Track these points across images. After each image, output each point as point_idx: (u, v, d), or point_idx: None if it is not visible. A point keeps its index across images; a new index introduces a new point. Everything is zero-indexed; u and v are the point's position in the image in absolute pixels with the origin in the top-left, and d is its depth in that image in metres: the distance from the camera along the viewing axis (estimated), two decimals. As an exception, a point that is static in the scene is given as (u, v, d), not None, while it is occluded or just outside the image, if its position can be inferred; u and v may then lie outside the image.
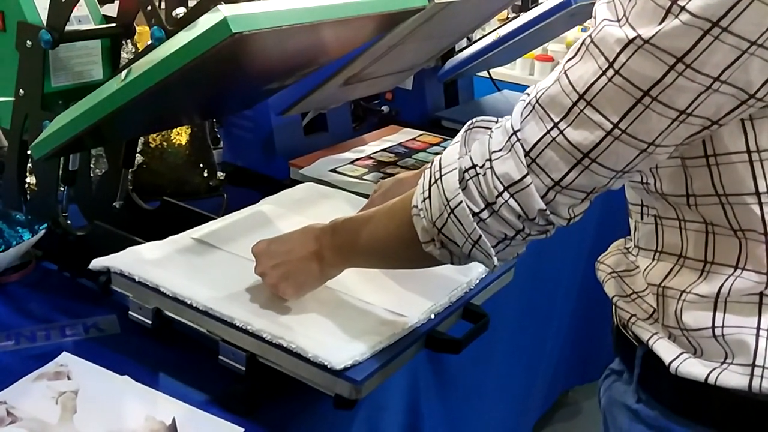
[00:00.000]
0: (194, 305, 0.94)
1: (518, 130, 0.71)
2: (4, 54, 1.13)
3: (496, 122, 0.77)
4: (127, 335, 1.03)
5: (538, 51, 3.49)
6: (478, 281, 1.06)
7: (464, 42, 1.95)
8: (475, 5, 1.54)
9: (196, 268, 1.03)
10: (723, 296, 0.75)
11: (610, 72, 0.66)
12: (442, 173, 0.76)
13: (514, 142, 0.71)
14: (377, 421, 1.05)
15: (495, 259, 0.76)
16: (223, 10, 0.84)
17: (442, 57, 1.91)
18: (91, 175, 1.30)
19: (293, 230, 0.96)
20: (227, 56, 0.92)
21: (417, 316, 0.95)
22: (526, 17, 1.76)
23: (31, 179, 1.26)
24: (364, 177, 1.47)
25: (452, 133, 1.77)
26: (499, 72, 2.39)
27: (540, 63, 3.59)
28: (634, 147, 0.69)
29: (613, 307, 0.89)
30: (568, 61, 0.70)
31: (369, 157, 1.59)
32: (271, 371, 0.90)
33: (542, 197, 0.71)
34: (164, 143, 1.47)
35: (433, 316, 0.97)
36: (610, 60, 0.66)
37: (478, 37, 1.93)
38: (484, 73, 2.13)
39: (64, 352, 0.97)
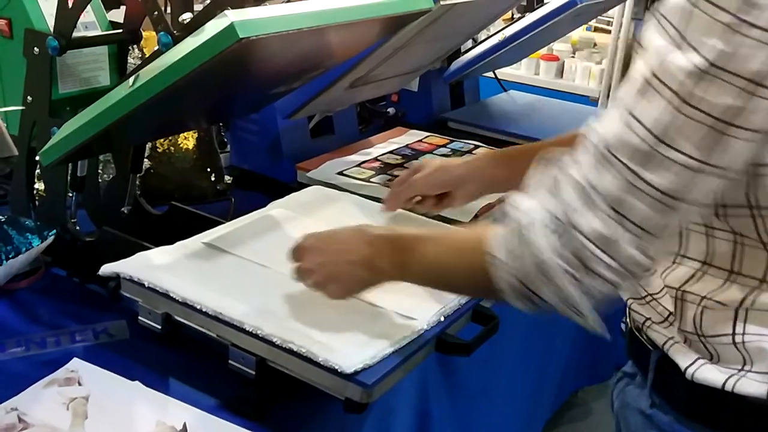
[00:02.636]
0: (204, 310, 0.93)
1: (593, 181, 0.67)
2: (11, 61, 1.13)
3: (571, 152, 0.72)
4: (137, 340, 1.03)
5: (543, 51, 3.49)
6: None
7: (470, 43, 1.95)
8: (480, 6, 1.54)
9: (206, 273, 1.03)
10: (746, 306, 0.73)
11: (681, 106, 0.62)
12: (524, 224, 0.71)
13: (592, 195, 0.67)
14: (387, 424, 1.04)
15: (590, 318, 0.71)
16: (230, 16, 0.84)
17: (448, 58, 1.91)
18: (99, 180, 1.31)
19: (343, 228, 0.94)
20: (234, 61, 0.92)
21: (426, 319, 0.95)
22: (531, 17, 1.76)
23: (39, 185, 1.27)
24: (372, 179, 1.47)
25: (459, 135, 1.79)
26: (505, 72, 2.39)
27: (545, 62, 3.59)
28: (719, 177, 0.65)
29: (627, 309, 0.88)
30: (630, 99, 0.66)
31: (376, 159, 1.59)
32: (280, 375, 0.90)
33: (634, 247, 0.67)
34: (171, 148, 1.48)
35: (442, 319, 0.97)
36: (680, 93, 0.62)
37: (483, 38, 1.93)
38: (490, 74, 2.13)
39: (75, 358, 0.97)
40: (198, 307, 0.94)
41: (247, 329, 0.90)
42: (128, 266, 1.01)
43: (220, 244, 1.10)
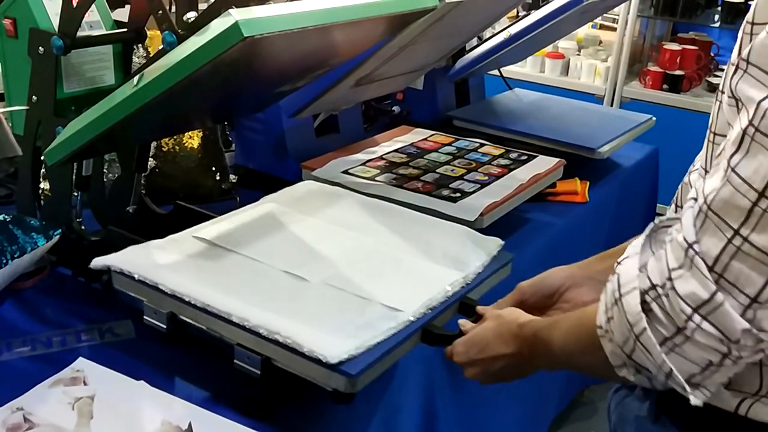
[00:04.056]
0: (192, 302, 0.94)
1: (695, 242, 0.63)
2: (16, 60, 1.14)
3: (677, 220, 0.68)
4: (142, 340, 1.03)
5: (548, 48, 3.48)
6: (474, 276, 1.07)
7: (475, 41, 1.94)
8: (485, 4, 1.54)
9: (196, 265, 1.03)
10: None
11: None
12: (622, 292, 0.68)
13: (693, 257, 0.63)
14: (392, 424, 1.04)
15: (692, 395, 0.66)
16: (234, 14, 0.84)
17: (453, 56, 1.90)
18: (104, 179, 1.31)
19: (483, 331, 0.92)
20: (239, 60, 0.92)
21: (412, 311, 0.95)
22: (536, 15, 1.76)
23: (44, 185, 1.27)
24: (377, 178, 1.47)
25: (464, 133, 1.79)
26: (510, 70, 2.38)
27: (551, 60, 3.58)
28: None
29: None
30: (731, 156, 0.62)
31: (381, 158, 1.59)
32: (286, 375, 0.90)
33: (741, 315, 0.62)
34: (176, 147, 1.48)
35: (428, 311, 0.98)
36: None
37: (488, 36, 1.92)
38: (495, 72, 2.12)
39: (80, 358, 0.98)
40: (187, 299, 0.94)
41: (233, 320, 0.90)
42: (119, 259, 1.02)
43: (210, 238, 1.10)
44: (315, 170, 1.48)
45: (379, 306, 0.96)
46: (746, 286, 0.61)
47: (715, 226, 0.62)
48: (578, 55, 3.66)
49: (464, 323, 0.95)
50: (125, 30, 1.18)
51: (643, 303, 0.66)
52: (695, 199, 0.65)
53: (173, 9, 1.00)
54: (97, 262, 1.02)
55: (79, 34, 1.09)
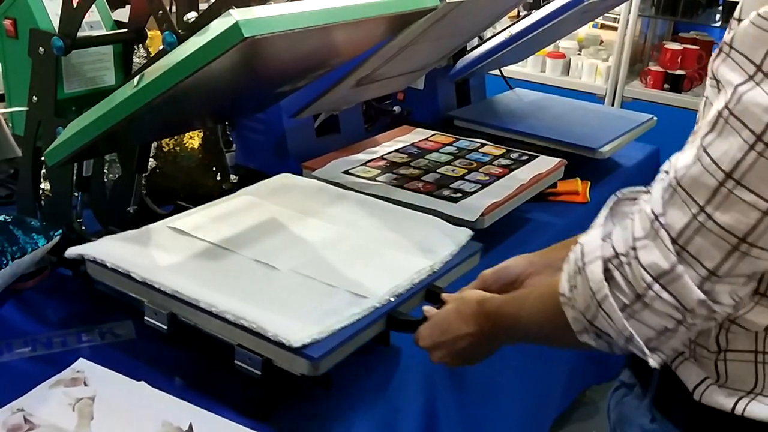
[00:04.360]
0: (162, 289, 0.96)
1: (660, 215, 0.65)
2: (17, 61, 1.14)
3: (644, 193, 0.71)
4: (143, 340, 1.03)
5: (549, 48, 3.48)
6: (442, 264, 1.09)
7: (475, 41, 1.94)
8: (486, 4, 1.54)
9: (170, 255, 1.05)
10: None
11: (760, 146, 0.59)
12: (586, 261, 0.70)
13: (658, 228, 0.65)
14: (394, 423, 1.04)
15: (650, 357, 0.69)
16: (235, 15, 0.84)
17: (454, 56, 1.90)
18: (105, 180, 1.31)
19: (445, 313, 0.94)
20: (239, 60, 0.92)
21: (378, 297, 0.98)
22: (537, 15, 1.75)
23: (45, 185, 1.27)
24: (377, 178, 1.47)
25: (465, 133, 1.79)
26: (511, 69, 2.38)
27: (552, 60, 3.58)
28: None
29: None
30: (705, 136, 0.63)
31: (382, 158, 1.58)
32: (286, 375, 0.90)
33: (699, 287, 0.64)
34: (177, 147, 1.48)
35: (394, 298, 0.99)
36: (758, 132, 0.59)
37: (489, 36, 1.92)
38: (496, 72, 2.12)
39: (81, 358, 0.98)
40: (157, 287, 0.96)
41: (203, 307, 0.92)
42: (92, 249, 1.04)
43: (184, 228, 1.12)
44: (316, 170, 1.48)
45: (345, 293, 0.99)
46: (706, 260, 0.63)
47: (682, 201, 0.64)
48: (579, 54, 3.65)
49: (428, 309, 0.97)
50: (125, 30, 1.18)
51: (606, 271, 0.68)
52: (667, 173, 0.66)
53: (173, 9, 1.00)
54: (72, 251, 1.05)
55: (80, 34, 1.09)
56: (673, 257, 0.64)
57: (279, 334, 0.87)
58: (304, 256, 1.07)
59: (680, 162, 0.65)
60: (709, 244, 0.63)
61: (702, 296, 0.64)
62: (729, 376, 0.74)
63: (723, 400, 0.73)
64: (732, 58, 0.62)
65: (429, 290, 1.05)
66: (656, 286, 0.65)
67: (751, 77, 0.60)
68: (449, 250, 1.13)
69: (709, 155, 0.62)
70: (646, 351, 0.69)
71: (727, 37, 0.63)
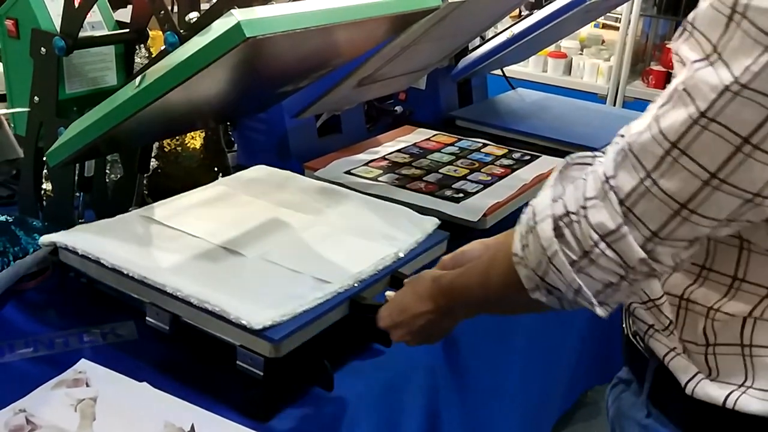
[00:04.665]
0: (131, 275, 0.98)
1: (611, 177, 0.68)
2: (18, 61, 1.13)
3: (593, 158, 0.74)
4: (145, 341, 1.03)
5: (551, 48, 3.48)
6: (406, 252, 1.12)
7: (477, 40, 1.94)
8: (488, 4, 1.53)
9: (140, 242, 1.09)
10: (755, 316, 0.73)
11: (704, 120, 0.62)
12: (537, 220, 0.72)
13: (608, 190, 0.67)
14: (396, 424, 1.04)
15: (598, 308, 0.72)
16: (237, 15, 0.84)
17: (456, 56, 1.90)
18: (107, 180, 1.31)
19: (403, 293, 0.96)
20: (241, 60, 0.92)
21: (341, 282, 1.00)
22: (539, 15, 1.75)
23: (47, 185, 1.27)
24: (379, 178, 1.47)
25: (467, 133, 1.79)
26: (513, 69, 2.38)
27: (553, 60, 3.58)
28: (737, 197, 0.64)
29: (626, 313, 0.87)
30: (660, 107, 0.66)
31: (383, 158, 1.58)
32: (287, 375, 0.91)
33: (641, 247, 0.67)
34: (178, 147, 1.47)
35: (357, 283, 1.01)
36: (703, 108, 0.62)
37: (491, 36, 1.92)
38: (498, 71, 2.12)
39: (83, 359, 0.97)
40: (126, 272, 0.99)
41: (168, 291, 0.95)
42: (65, 236, 1.07)
43: (156, 217, 1.15)
44: (318, 170, 1.48)
45: (310, 278, 1.01)
46: (649, 222, 0.66)
47: (631, 166, 0.67)
48: (581, 54, 3.65)
49: (390, 294, 0.99)
50: (127, 30, 1.18)
51: (555, 228, 0.70)
52: (623, 136, 0.68)
53: (175, 9, 1.00)
54: (44, 239, 1.08)
55: (81, 34, 1.09)
56: (619, 217, 0.67)
57: (241, 316, 0.90)
58: (271, 244, 1.10)
59: (634, 128, 0.68)
60: (654, 208, 0.66)
61: (643, 255, 0.67)
62: (720, 370, 0.75)
63: (715, 394, 0.75)
64: (692, 34, 0.64)
65: (393, 276, 1.08)
66: (602, 244, 0.68)
67: (707, 57, 0.62)
68: (414, 238, 1.16)
69: (658, 125, 0.65)
70: (594, 302, 0.71)
71: (690, 16, 0.65)
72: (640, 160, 0.66)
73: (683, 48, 0.65)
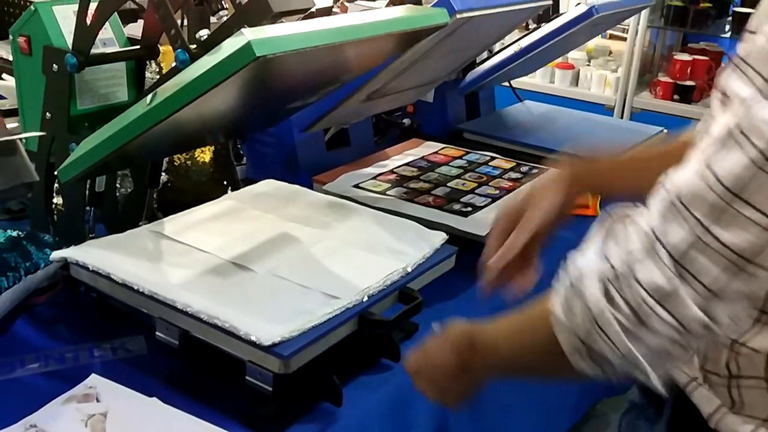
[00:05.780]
0: (140, 290, 0.99)
1: (659, 231, 0.63)
2: (30, 78, 1.14)
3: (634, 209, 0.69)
4: (155, 356, 1.03)
5: (558, 59, 3.48)
6: (414, 267, 1.12)
7: (485, 53, 1.94)
8: (496, 18, 1.54)
9: (149, 256, 1.09)
10: None
11: (765, 164, 0.58)
12: (583, 279, 0.67)
13: (656, 246, 0.63)
14: (405, 437, 1.04)
15: (656, 382, 0.66)
16: (247, 34, 0.84)
17: (463, 69, 1.90)
18: (117, 194, 1.31)
19: (433, 340, 0.91)
20: (251, 79, 0.93)
21: (350, 298, 1.00)
22: (548, 28, 1.76)
23: (58, 200, 1.27)
24: (388, 192, 1.47)
25: (474, 145, 1.79)
26: (520, 81, 2.38)
27: (561, 71, 3.58)
28: None
29: None
30: (709, 150, 0.61)
31: (392, 171, 1.59)
32: (297, 390, 0.91)
33: (697, 306, 0.62)
34: (188, 161, 1.48)
35: (366, 298, 1.02)
36: (765, 150, 0.58)
37: (498, 49, 1.92)
38: (505, 83, 2.12)
39: (93, 374, 0.98)
40: (136, 287, 0.99)
41: (177, 306, 0.95)
42: (75, 252, 1.07)
43: (166, 232, 1.16)
44: (327, 184, 1.49)
45: (319, 293, 1.01)
46: (705, 278, 0.61)
47: (681, 218, 0.62)
48: (588, 65, 3.65)
49: (436, 327, 0.92)
50: (138, 47, 1.19)
51: (604, 290, 0.65)
52: (666, 187, 0.64)
53: (185, 23, 1.01)
54: (55, 254, 1.08)
55: (93, 51, 1.10)
56: (672, 275, 0.62)
57: (250, 332, 0.90)
58: (280, 259, 1.10)
59: (680, 177, 0.63)
60: (711, 263, 0.61)
61: (702, 315, 0.62)
62: (744, 403, 0.73)
63: (738, 428, 0.73)
64: (744, 72, 0.60)
65: (402, 292, 1.08)
66: (655, 306, 0.63)
67: (763, 94, 0.58)
68: (422, 252, 1.16)
69: (712, 170, 0.60)
70: (652, 374, 0.66)
71: (740, 50, 0.62)
72: (692, 211, 0.61)
73: (734, 84, 0.61)
